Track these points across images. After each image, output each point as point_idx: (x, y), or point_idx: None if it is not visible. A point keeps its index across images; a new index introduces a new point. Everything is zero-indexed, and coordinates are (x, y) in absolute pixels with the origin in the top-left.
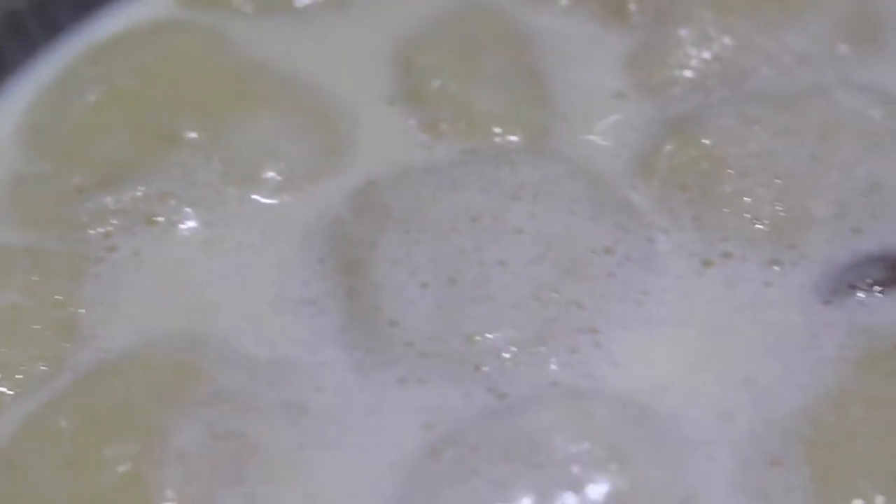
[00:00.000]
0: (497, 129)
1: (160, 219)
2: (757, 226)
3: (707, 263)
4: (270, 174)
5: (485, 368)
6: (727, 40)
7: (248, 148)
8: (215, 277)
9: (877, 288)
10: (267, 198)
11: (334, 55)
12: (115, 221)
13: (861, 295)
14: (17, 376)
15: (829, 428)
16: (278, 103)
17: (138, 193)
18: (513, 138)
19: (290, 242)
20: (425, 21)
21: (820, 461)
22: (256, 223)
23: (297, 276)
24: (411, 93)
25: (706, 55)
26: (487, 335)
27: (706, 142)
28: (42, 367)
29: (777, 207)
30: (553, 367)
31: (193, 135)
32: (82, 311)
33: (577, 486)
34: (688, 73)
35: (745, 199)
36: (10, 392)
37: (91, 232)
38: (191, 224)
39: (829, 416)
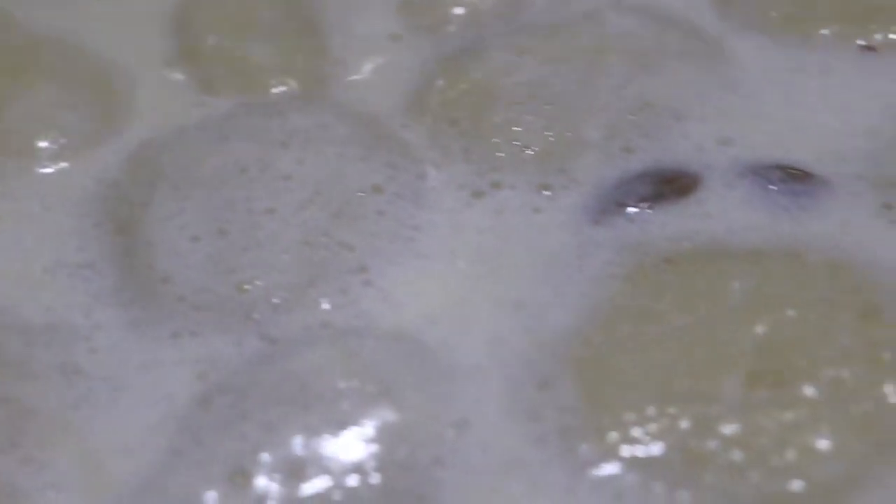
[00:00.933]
0: (273, 81)
1: None
2: (527, 152)
3: (477, 195)
4: (46, 144)
5: (255, 316)
6: None
7: (24, 120)
8: None
9: (645, 203)
10: (44, 167)
11: (114, 23)
12: None
13: (631, 211)
14: None
15: (598, 345)
16: (55, 74)
17: None
18: (287, 88)
19: (67, 209)
20: None
21: (589, 379)
22: (35, 193)
23: (74, 241)
24: (188, 52)
25: None
26: (257, 282)
27: (476, 75)
28: None
29: (547, 133)
30: (325, 307)
31: None
32: None
33: (346, 423)
34: (462, 11)
35: (514, 128)
36: None
37: None
38: None
39: (598, 333)
